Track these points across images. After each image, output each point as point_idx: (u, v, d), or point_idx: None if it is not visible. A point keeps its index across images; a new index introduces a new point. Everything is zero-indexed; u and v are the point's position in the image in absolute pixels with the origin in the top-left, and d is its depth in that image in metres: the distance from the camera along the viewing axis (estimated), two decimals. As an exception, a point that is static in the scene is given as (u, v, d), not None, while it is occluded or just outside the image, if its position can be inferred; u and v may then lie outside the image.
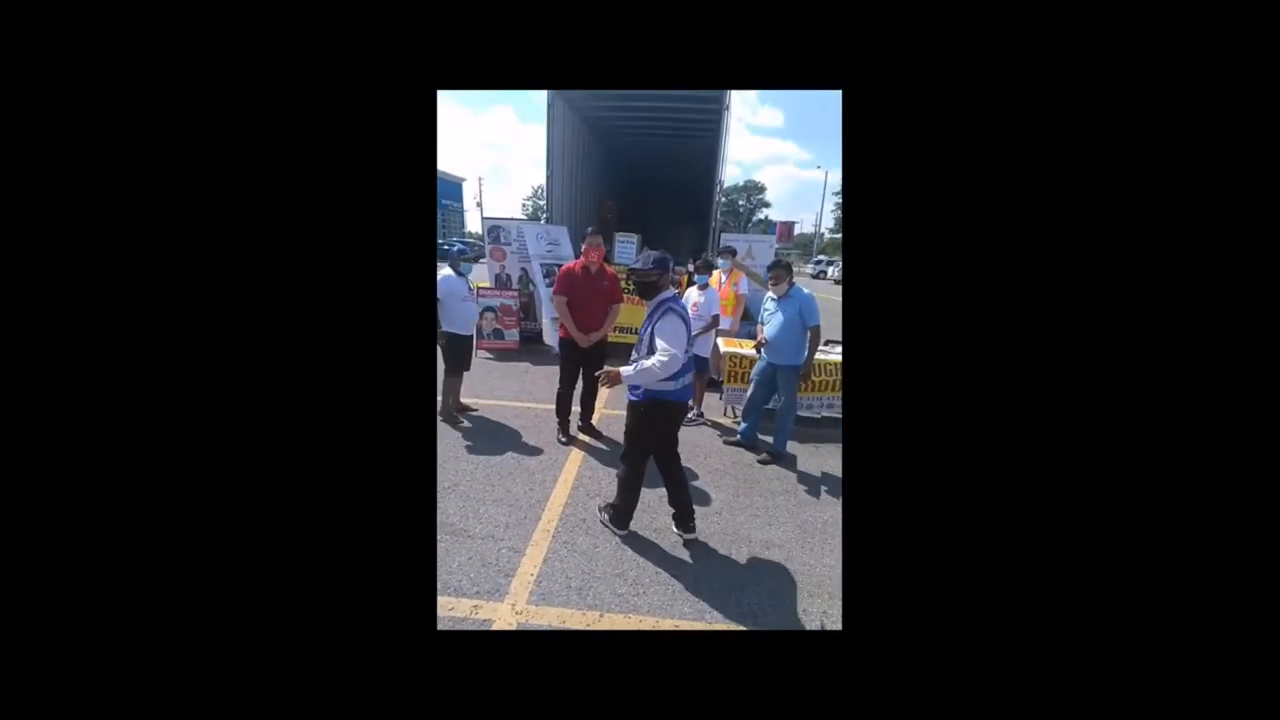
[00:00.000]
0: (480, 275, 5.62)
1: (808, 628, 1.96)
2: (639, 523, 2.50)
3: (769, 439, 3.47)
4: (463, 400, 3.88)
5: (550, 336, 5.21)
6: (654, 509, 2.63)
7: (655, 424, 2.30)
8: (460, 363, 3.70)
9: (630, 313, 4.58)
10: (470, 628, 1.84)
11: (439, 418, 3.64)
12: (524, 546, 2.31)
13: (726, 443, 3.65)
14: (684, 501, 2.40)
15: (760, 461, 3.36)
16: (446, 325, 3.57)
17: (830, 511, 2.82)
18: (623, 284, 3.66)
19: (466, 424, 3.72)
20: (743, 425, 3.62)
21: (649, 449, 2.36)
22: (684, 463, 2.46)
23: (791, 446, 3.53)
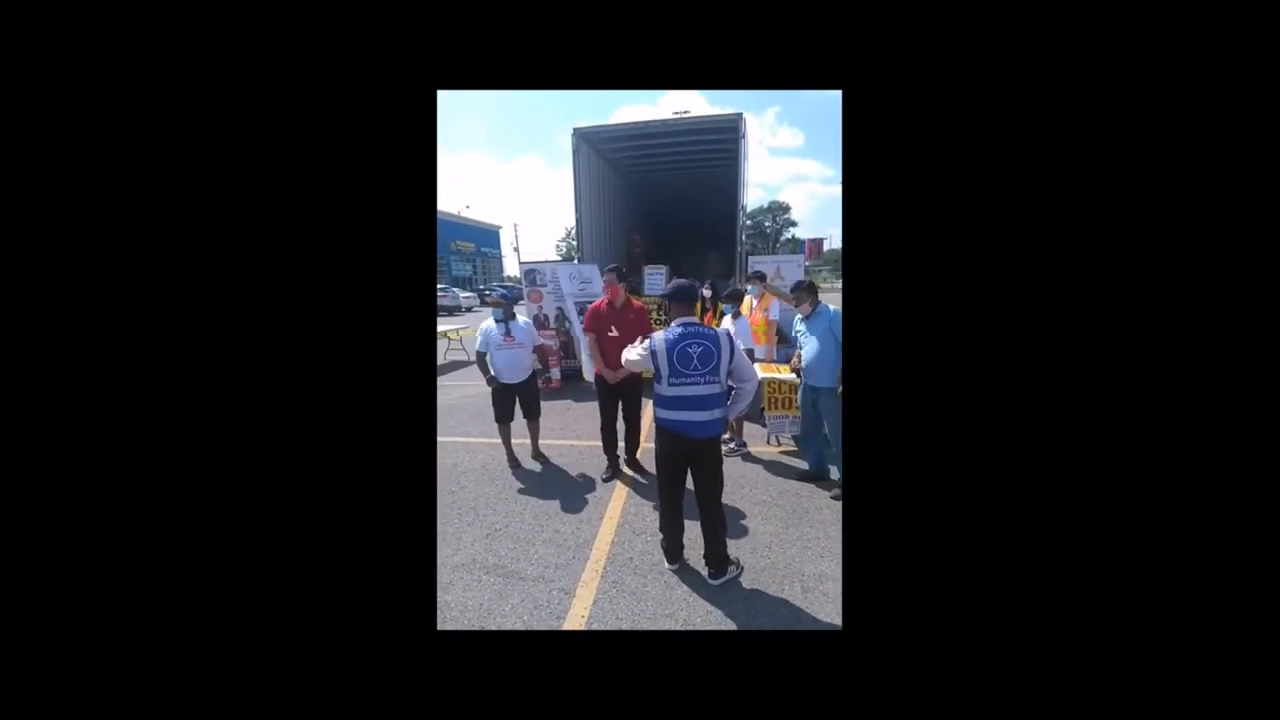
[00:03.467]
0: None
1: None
2: (690, 557, 2.49)
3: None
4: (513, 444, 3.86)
5: (588, 373, 5.35)
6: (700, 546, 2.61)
7: (659, 449, 2.38)
8: (503, 411, 3.73)
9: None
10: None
11: (509, 465, 3.75)
12: (574, 588, 2.34)
13: (814, 484, 3.41)
14: (715, 544, 2.34)
15: (834, 498, 3.17)
16: (492, 372, 3.69)
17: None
18: (653, 315, 3.70)
19: (528, 468, 3.76)
20: (809, 459, 3.49)
21: (660, 478, 2.41)
22: (727, 494, 2.43)
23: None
